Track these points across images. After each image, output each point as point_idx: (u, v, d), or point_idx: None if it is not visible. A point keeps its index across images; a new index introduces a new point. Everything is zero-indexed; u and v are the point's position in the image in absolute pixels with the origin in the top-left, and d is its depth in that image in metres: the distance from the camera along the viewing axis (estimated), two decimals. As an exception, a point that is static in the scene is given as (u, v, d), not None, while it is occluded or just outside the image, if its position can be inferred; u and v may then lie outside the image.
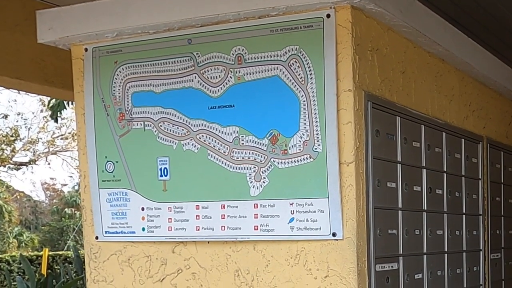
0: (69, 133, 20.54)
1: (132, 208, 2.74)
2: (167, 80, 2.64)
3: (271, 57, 2.50)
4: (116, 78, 2.71)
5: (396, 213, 2.82)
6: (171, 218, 2.68)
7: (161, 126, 2.66)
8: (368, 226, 2.57)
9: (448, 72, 3.30)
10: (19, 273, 15.66)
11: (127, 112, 2.71)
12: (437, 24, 2.98)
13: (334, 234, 2.48)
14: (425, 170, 3.07)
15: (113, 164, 2.74)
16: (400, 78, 2.84)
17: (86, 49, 2.76)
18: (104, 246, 2.84)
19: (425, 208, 3.07)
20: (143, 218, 2.73)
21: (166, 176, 2.67)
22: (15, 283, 8.67)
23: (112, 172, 2.75)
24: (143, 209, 2.72)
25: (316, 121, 2.45)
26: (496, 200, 3.96)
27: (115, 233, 2.79)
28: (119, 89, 2.71)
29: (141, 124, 2.69)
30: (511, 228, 4.19)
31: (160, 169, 2.67)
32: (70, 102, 9.12)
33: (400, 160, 2.84)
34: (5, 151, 20.87)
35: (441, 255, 3.25)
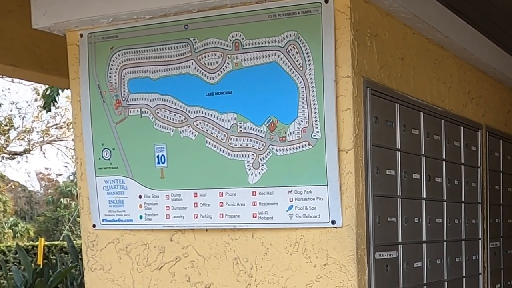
0: (64, 122, 20.48)
1: (129, 196, 2.71)
2: (164, 66, 2.61)
3: (269, 43, 2.47)
4: (112, 64, 2.68)
5: (395, 201, 2.80)
6: (168, 206, 2.65)
7: (158, 113, 2.63)
8: (367, 214, 2.55)
9: (447, 59, 3.28)
10: (15, 263, 15.65)
11: (123, 98, 2.68)
12: (436, 10, 2.96)
13: (333, 222, 2.46)
14: (424, 157, 3.05)
15: (110, 151, 2.71)
16: (399, 65, 2.82)
17: (81, 35, 2.72)
18: (101, 234, 2.82)
19: (424, 196, 3.05)
20: (140, 206, 2.70)
21: (163, 163, 2.64)
22: (11, 273, 8.65)
23: (109, 159, 2.72)
24: (140, 196, 2.69)
25: (315, 108, 2.43)
26: (495, 189, 3.95)
27: (112, 221, 2.76)
28: (115, 76, 2.68)
29: (137, 111, 2.66)
30: (510, 216, 4.17)
31: (158, 156, 2.65)
32: (61, 90, 9.04)
33: (399, 148, 2.82)
34: (-1, 140, 20.83)
35: (440, 244, 3.23)
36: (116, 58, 2.67)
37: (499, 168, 4.02)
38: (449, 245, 3.30)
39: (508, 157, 4.15)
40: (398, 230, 2.81)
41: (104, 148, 2.72)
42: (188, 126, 2.60)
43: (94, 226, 2.81)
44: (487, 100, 3.82)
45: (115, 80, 2.68)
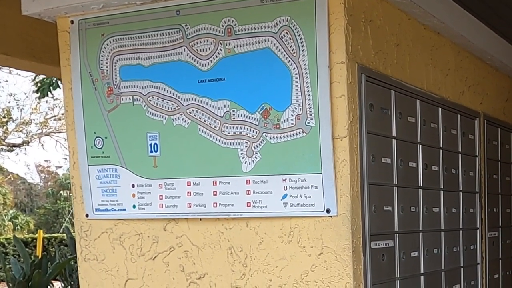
0: (62, 114, 20.43)
1: (122, 185, 2.68)
2: (156, 53, 2.58)
3: (261, 28, 2.43)
4: (103, 51, 2.64)
5: (391, 189, 2.77)
6: (162, 195, 2.62)
7: (150, 100, 2.60)
8: (363, 203, 2.52)
9: (443, 46, 3.24)
10: (15, 255, 15.65)
11: (115, 86, 2.64)
12: (432, -4, 2.92)
13: (328, 211, 2.43)
14: (420, 146, 3.01)
15: (102, 140, 2.68)
16: (394, 51, 2.78)
17: (72, 22, 2.68)
18: (94, 224, 2.79)
19: (421, 185, 3.02)
20: (133, 195, 2.67)
21: (156, 152, 2.61)
22: (10, 265, 8.63)
23: (101, 148, 2.69)
24: (133, 186, 2.66)
25: (309, 95, 2.39)
26: (493, 178, 3.91)
27: (105, 211, 2.73)
28: (106, 63, 2.64)
29: (129, 99, 2.63)
30: (508, 206, 4.14)
31: (150, 145, 2.61)
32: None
33: (395, 135, 2.78)
34: (-2, 132, 20.82)
35: (438, 233, 3.20)
36: (107, 45, 2.64)
37: (497, 157, 3.99)
38: (446, 234, 3.27)
39: (506, 145, 4.12)
40: (394, 219, 2.78)
41: (96, 137, 2.69)
42: (181, 114, 2.56)
43: (87, 215, 2.78)
44: (484, 88, 3.79)
45: (107, 67, 2.65)
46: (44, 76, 9.18)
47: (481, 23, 3.48)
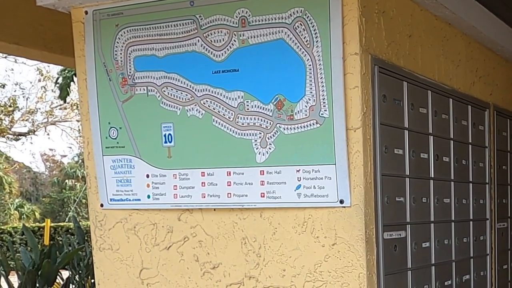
0: (68, 103, 20.46)
1: (136, 175, 2.69)
2: (170, 44, 2.58)
3: (275, 19, 2.44)
4: (117, 42, 2.65)
5: (403, 180, 2.78)
6: (176, 185, 2.64)
7: (164, 91, 2.61)
8: (376, 193, 2.53)
9: (455, 37, 3.24)
10: (22, 244, 15.72)
11: (129, 77, 2.65)
12: (444, -14, 2.92)
13: (341, 201, 2.44)
14: (432, 137, 3.02)
15: (117, 130, 2.69)
16: (406, 42, 2.78)
17: (86, 12, 2.69)
18: (109, 213, 2.81)
19: (432, 176, 3.03)
20: (148, 185, 2.69)
21: (170, 142, 2.62)
22: (18, 254, 8.66)
23: (115, 138, 2.70)
24: (148, 176, 2.68)
25: (323, 86, 2.40)
26: (503, 169, 3.92)
27: (120, 201, 2.75)
28: (121, 53, 2.65)
29: (144, 89, 2.64)
30: (517, 197, 4.15)
31: (165, 135, 2.63)
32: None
33: (407, 127, 2.79)
34: (4, 121, 20.82)
35: (448, 224, 3.21)
36: (121, 35, 2.64)
37: (507, 148, 3.99)
38: (456, 225, 3.28)
39: (515, 136, 4.11)
40: (406, 210, 2.79)
41: (111, 127, 2.70)
42: (195, 105, 2.58)
43: (102, 205, 2.79)
44: (494, 79, 3.79)
45: (121, 58, 2.65)
46: (60, 80, 9.14)
47: (492, 14, 3.48)
